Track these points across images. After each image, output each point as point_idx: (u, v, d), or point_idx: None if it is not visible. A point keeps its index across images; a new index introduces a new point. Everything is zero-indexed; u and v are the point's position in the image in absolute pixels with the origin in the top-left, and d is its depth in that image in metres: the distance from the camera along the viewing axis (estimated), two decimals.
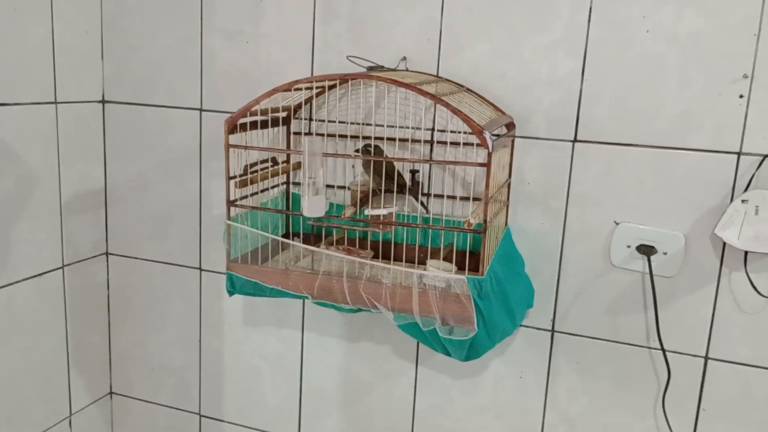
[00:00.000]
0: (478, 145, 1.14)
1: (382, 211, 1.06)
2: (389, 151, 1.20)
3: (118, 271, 1.51)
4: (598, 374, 1.18)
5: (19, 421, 1.35)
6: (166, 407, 1.54)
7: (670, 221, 1.09)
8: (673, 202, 1.08)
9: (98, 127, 1.43)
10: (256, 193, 1.16)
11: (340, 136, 1.22)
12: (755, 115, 1.02)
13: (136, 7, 1.36)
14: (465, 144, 1.16)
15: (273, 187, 1.22)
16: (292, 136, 1.26)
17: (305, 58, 1.25)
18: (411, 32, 1.17)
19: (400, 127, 1.19)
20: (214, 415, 1.50)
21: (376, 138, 1.19)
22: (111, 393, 1.58)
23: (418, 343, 1.28)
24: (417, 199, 1.18)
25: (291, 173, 1.26)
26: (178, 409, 1.53)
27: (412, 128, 1.19)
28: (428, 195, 1.21)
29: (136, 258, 1.48)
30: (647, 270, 1.09)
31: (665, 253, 1.09)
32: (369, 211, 1.07)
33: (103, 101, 1.43)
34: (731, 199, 1.05)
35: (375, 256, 1.17)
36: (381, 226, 1.09)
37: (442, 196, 1.20)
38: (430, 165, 1.20)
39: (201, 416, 1.51)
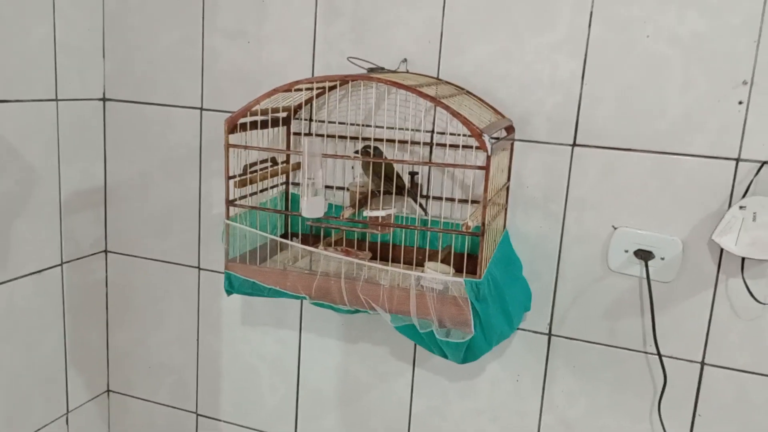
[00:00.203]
0: (477, 148, 1.14)
1: (380, 213, 1.07)
2: (389, 152, 1.20)
3: (118, 269, 1.51)
4: (594, 378, 1.18)
5: (16, 417, 1.35)
6: (164, 406, 1.54)
7: (668, 226, 1.09)
8: (671, 208, 1.08)
9: (99, 125, 1.44)
10: (256, 193, 1.16)
11: (340, 137, 1.23)
12: (754, 121, 1.02)
13: (137, 5, 1.36)
14: (464, 147, 1.16)
15: (272, 187, 1.22)
16: (291, 137, 1.26)
17: (306, 59, 1.25)
18: (412, 33, 1.17)
19: (399, 128, 1.19)
20: (211, 415, 1.50)
21: (375, 139, 1.19)
22: (108, 391, 1.58)
23: (415, 345, 1.28)
24: (416, 201, 1.19)
25: (290, 174, 1.26)
26: (176, 407, 1.53)
27: (412, 130, 1.19)
28: (427, 197, 1.21)
29: (135, 256, 1.48)
30: (645, 275, 1.10)
31: (663, 259, 1.09)
32: (368, 213, 1.07)
33: (104, 99, 1.43)
34: (729, 205, 1.05)
35: (373, 258, 1.17)
36: (379, 227, 1.09)
37: (440, 199, 1.20)
38: (430, 167, 1.20)
39: (198, 415, 1.51)
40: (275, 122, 1.17)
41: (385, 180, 1.14)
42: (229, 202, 1.09)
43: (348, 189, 1.22)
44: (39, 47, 1.27)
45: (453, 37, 1.15)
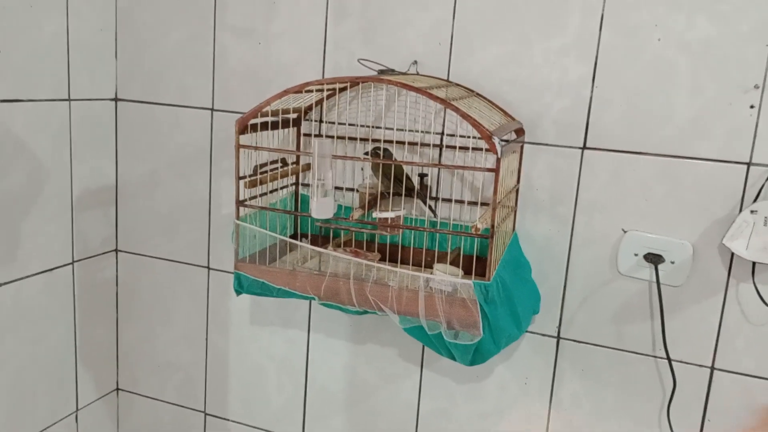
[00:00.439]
0: (487, 150, 1.14)
1: (389, 214, 1.07)
2: (398, 154, 1.20)
3: (127, 267, 1.52)
4: (603, 382, 1.18)
5: (26, 415, 1.36)
6: (172, 405, 1.55)
7: (678, 230, 1.09)
8: (681, 211, 1.08)
9: (111, 124, 1.45)
10: (266, 193, 1.16)
11: (350, 138, 1.23)
12: (766, 125, 1.01)
13: (149, 4, 1.37)
14: (474, 149, 1.16)
15: (282, 188, 1.22)
16: (302, 138, 1.26)
17: (316, 59, 1.25)
18: (422, 35, 1.17)
19: (409, 130, 1.19)
20: (218, 414, 1.50)
21: (385, 141, 1.19)
22: (117, 389, 1.59)
23: (423, 346, 1.28)
24: (425, 203, 1.19)
25: (300, 174, 1.26)
26: (184, 406, 1.53)
27: (422, 132, 1.19)
28: (436, 199, 1.21)
29: (145, 255, 1.49)
30: (654, 279, 1.09)
31: (673, 262, 1.09)
32: (377, 214, 1.08)
33: (116, 99, 1.44)
34: (740, 210, 1.04)
35: (382, 259, 1.17)
36: (389, 228, 1.09)
37: (450, 201, 1.20)
38: (439, 169, 1.20)
39: (206, 414, 1.52)
40: (286, 123, 1.18)
41: (395, 181, 1.14)
42: (240, 203, 1.09)
43: (357, 190, 1.22)
44: (51, 46, 1.28)
45: (463, 40, 1.15)
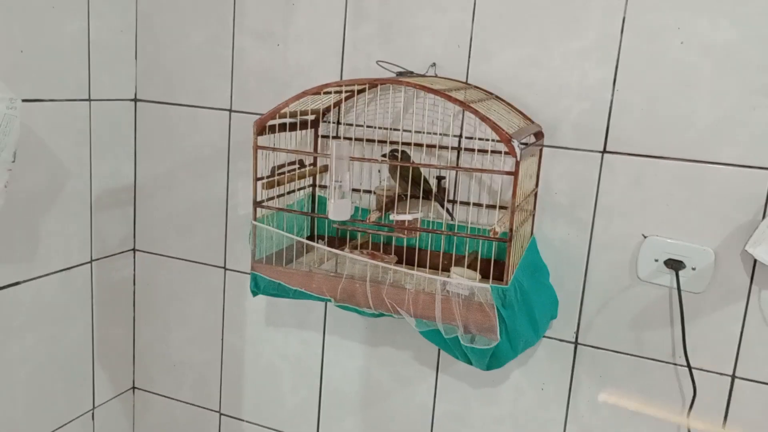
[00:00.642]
0: (505, 153, 1.13)
1: (407, 217, 1.06)
2: (416, 156, 1.19)
3: (145, 267, 1.53)
4: (621, 389, 1.17)
5: (44, 412, 1.37)
6: (187, 404, 1.55)
7: (699, 236, 1.07)
8: (703, 217, 1.06)
9: (130, 124, 1.46)
10: (283, 194, 1.16)
11: (368, 140, 1.23)
12: None
13: (169, 6, 1.38)
14: (492, 152, 1.15)
15: (299, 190, 1.22)
16: (319, 140, 1.26)
17: (334, 61, 1.25)
18: (441, 37, 1.17)
19: (427, 133, 1.19)
20: (233, 414, 1.51)
21: (403, 143, 1.19)
22: (134, 388, 1.60)
23: (439, 350, 1.27)
24: (442, 206, 1.18)
25: (317, 176, 1.26)
26: (199, 406, 1.54)
27: (440, 134, 1.19)
28: (454, 202, 1.20)
29: (162, 255, 1.50)
30: (675, 285, 1.08)
31: (694, 269, 1.07)
32: (394, 217, 1.07)
33: (135, 100, 1.45)
34: (763, 216, 1.02)
35: (399, 262, 1.17)
36: (405, 231, 1.09)
37: (467, 204, 1.19)
38: (457, 172, 1.19)
39: (221, 414, 1.52)
40: (303, 125, 1.18)
41: (412, 184, 1.14)
42: (257, 204, 1.10)
43: (375, 192, 1.22)
44: (72, 47, 1.29)
45: (482, 43, 1.15)
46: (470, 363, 1.05)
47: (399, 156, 1.14)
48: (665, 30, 1.04)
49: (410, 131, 1.20)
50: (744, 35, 1.00)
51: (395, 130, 1.22)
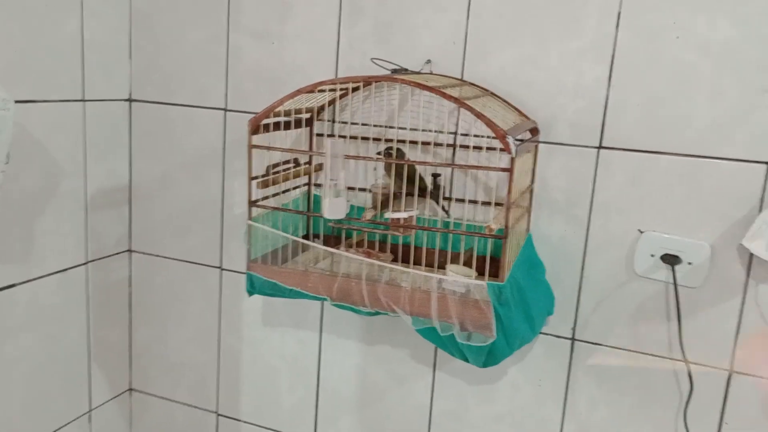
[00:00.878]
0: (501, 149, 1.12)
1: (402, 215, 1.06)
2: (411, 154, 1.19)
3: (141, 268, 1.52)
4: (618, 384, 1.17)
5: (40, 414, 1.36)
6: (184, 405, 1.55)
7: (696, 231, 1.07)
8: (699, 212, 1.06)
9: (125, 125, 1.45)
10: (278, 193, 1.16)
11: (363, 138, 1.22)
12: None
13: (164, 5, 1.37)
14: (488, 148, 1.15)
15: (295, 188, 1.22)
16: (314, 138, 1.26)
17: (330, 60, 1.25)
18: (436, 35, 1.17)
19: (422, 130, 1.19)
20: (231, 414, 1.50)
21: (398, 141, 1.19)
22: (130, 389, 1.59)
23: (435, 347, 1.27)
24: (438, 203, 1.18)
25: (313, 175, 1.26)
26: (196, 407, 1.54)
27: (435, 132, 1.19)
28: (449, 199, 1.20)
29: (158, 256, 1.50)
30: (671, 280, 1.08)
31: (690, 264, 1.07)
32: (389, 214, 1.07)
33: (130, 100, 1.44)
34: (760, 210, 1.02)
35: (394, 260, 1.17)
36: (401, 229, 1.08)
37: (463, 201, 1.19)
38: (452, 169, 1.19)
39: (218, 415, 1.52)
40: (298, 123, 1.17)
41: (408, 182, 1.14)
42: (252, 203, 1.09)
43: (370, 190, 1.22)
44: (66, 47, 1.28)
45: (478, 42, 1.14)
46: (467, 360, 1.05)
47: (394, 154, 1.14)
48: (661, 28, 1.04)
49: (405, 129, 1.20)
50: (742, 34, 1.00)
51: (390, 127, 1.22)
